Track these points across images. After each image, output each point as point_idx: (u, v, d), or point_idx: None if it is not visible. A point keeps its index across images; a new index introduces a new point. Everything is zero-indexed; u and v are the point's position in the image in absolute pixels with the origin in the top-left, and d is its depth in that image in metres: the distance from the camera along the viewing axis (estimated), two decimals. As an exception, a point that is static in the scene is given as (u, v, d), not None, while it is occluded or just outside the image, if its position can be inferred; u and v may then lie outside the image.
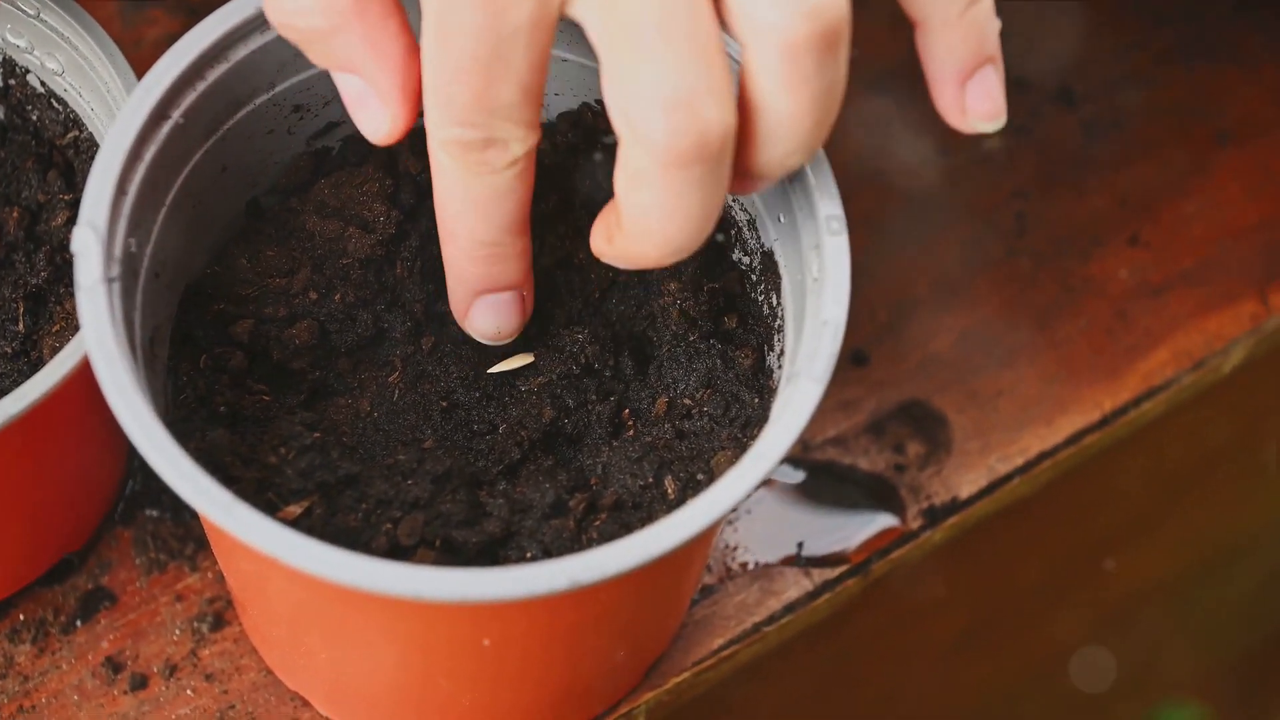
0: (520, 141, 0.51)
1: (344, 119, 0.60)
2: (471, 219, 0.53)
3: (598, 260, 0.59)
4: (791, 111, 0.50)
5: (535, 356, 0.58)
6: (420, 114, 0.52)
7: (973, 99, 0.53)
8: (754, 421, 0.57)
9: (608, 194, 0.53)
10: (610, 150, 0.60)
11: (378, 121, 0.52)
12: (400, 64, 0.52)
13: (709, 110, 0.48)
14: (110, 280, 0.52)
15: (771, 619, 0.65)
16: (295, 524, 0.53)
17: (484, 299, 0.56)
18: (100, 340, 0.51)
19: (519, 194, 0.52)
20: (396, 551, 0.53)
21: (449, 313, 0.59)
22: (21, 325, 0.60)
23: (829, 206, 0.53)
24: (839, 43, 0.49)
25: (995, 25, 0.53)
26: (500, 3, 0.48)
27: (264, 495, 0.54)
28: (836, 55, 0.49)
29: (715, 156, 0.49)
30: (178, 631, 0.63)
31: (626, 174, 0.50)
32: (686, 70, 0.48)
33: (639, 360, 0.59)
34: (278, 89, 0.58)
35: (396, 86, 0.52)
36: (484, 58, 0.49)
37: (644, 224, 0.50)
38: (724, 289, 0.59)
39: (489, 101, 0.49)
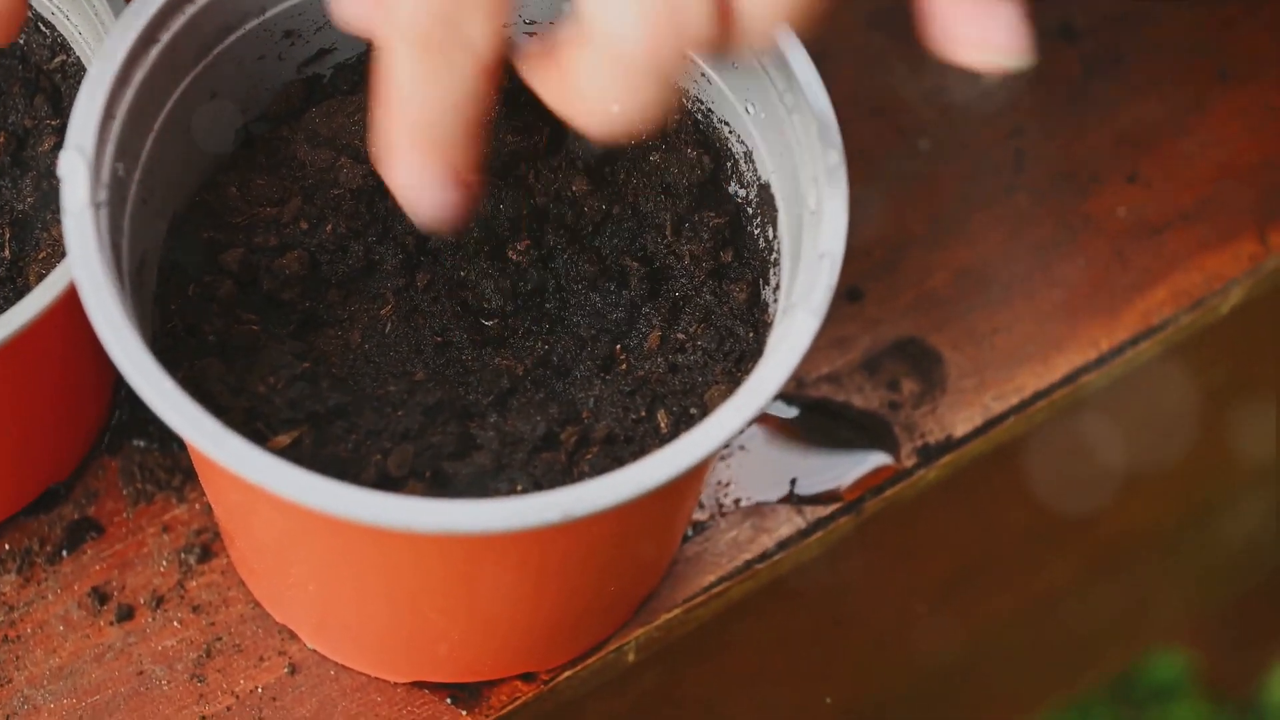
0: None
1: (336, 45, 0.59)
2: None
3: (591, 195, 0.58)
4: None
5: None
6: None
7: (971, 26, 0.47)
8: (748, 356, 0.56)
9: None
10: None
11: None
12: None
13: None
14: (97, 205, 0.51)
15: (763, 556, 0.65)
16: (284, 454, 0.53)
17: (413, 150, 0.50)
18: (87, 265, 0.50)
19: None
20: (386, 483, 0.53)
21: (444, 249, 0.58)
22: (7, 251, 0.59)
23: (828, 138, 0.53)
24: None
25: None
26: None
27: (253, 425, 0.53)
28: None
29: None
30: (165, 563, 0.63)
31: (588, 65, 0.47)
32: None
33: (632, 294, 0.58)
34: (268, 14, 0.57)
35: None
36: None
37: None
38: (720, 222, 0.58)
39: None
